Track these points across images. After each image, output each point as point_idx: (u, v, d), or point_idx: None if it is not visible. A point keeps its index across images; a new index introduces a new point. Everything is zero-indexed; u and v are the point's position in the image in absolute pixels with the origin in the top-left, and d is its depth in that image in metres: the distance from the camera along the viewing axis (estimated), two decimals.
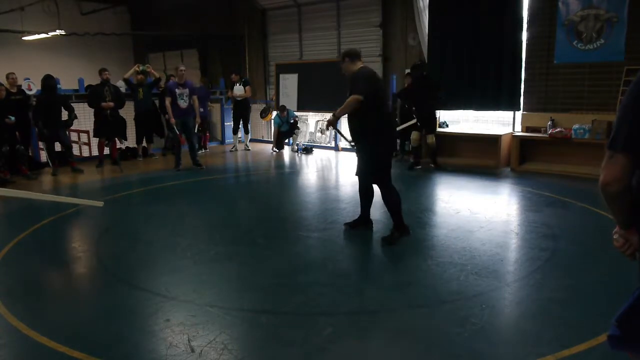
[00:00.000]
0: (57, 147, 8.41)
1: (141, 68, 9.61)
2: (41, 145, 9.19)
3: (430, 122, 8.25)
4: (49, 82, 8.06)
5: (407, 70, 8.96)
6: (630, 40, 7.09)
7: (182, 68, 8.52)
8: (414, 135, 8.24)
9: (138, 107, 9.51)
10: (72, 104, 8.45)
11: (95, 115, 8.75)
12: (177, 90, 8.28)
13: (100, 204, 3.76)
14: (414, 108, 8.26)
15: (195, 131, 8.69)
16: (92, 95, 8.72)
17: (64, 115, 8.21)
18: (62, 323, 3.23)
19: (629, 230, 1.65)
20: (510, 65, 8.14)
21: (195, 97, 8.56)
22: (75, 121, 8.41)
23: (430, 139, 8.25)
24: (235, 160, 10.02)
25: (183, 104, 8.31)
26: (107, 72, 8.74)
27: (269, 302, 3.45)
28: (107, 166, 8.91)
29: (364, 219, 4.98)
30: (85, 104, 8.93)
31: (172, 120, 8.27)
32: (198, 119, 8.64)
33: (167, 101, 8.27)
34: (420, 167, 8.27)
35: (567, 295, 3.41)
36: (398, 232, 4.59)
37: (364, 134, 4.55)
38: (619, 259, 1.56)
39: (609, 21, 7.24)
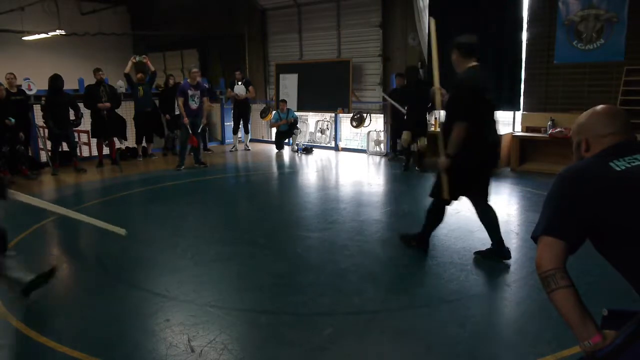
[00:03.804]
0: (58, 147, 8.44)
1: (137, 59, 9.58)
2: (41, 145, 9.20)
3: (423, 125, 8.14)
4: (56, 83, 8.09)
5: (397, 72, 9.01)
6: (630, 40, 7.09)
7: (195, 70, 8.62)
8: (405, 135, 8.08)
9: (138, 106, 9.51)
10: None
11: (91, 115, 8.77)
12: (190, 92, 8.39)
13: (122, 232, 3.61)
14: (405, 109, 8.17)
15: (199, 131, 8.71)
16: (87, 95, 8.73)
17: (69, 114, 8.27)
18: (62, 323, 3.23)
19: (596, 337, 1.48)
20: (510, 65, 8.14)
21: (206, 99, 8.69)
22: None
23: (422, 141, 8.12)
24: (235, 161, 10.02)
25: (194, 105, 8.45)
26: (101, 72, 8.74)
27: (269, 302, 3.45)
28: (107, 166, 8.91)
29: (425, 237, 4.33)
30: (84, 104, 8.93)
31: (185, 120, 8.38)
32: (204, 120, 8.72)
33: (180, 101, 8.42)
34: (409, 169, 8.13)
35: None
36: (499, 252, 4.01)
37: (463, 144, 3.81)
38: None
39: (609, 21, 7.24)
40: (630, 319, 1.47)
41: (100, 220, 3.31)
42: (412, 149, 8.29)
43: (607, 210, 1.49)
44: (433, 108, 8.13)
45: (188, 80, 8.55)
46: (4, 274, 3.22)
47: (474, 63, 3.86)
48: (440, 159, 3.94)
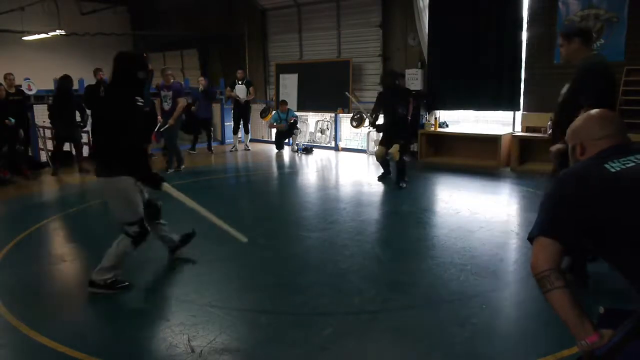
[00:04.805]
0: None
1: None
2: (41, 145, 9.20)
3: (394, 132, 6.96)
4: (64, 83, 8.10)
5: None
6: (630, 40, 7.08)
7: (169, 72, 8.42)
8: (378, 150, 7.24)
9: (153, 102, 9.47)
10: None
11: (92, 115, 8.75)
12: (162, 92, 8.25)
13: (244, 239, 3.73)
14: (373, 117, 7.28)
15: (162, 130, 8.22)
16: (87, 95, 8.73)
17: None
18: (62, 323, 3.23)
19: (593, 336, 1.49)
20: (510, 65, 8.13)
21: (180, 100, 8.19)
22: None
23: (394, 148, 6.84)
24: (236, 161, 10.02)
25: (166, 106, 8.21)
26: (101, 72, 8.73)
27: (269, 302, 3.45)
28: None
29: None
30: (84, 104, 8.92)
31: (159, 119, 8.25)
32: (171, 121, 8.05)
33: (157, 102, 8.28)
34: (390, 175, 7.27)
35: None
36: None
37: None
38: None
39: (609, 21, 7.24)
40: (627, 318, 1.48)
41: (224, 224, 3.75)
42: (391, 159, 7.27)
43: (604, 211, 1.51)
44: (407, 116, 7.06)
45: (163, 81, 8.36)
46: (162, 235, 4.07)
47: (594, 52, 3.56)
48: (553, 147, 3.57)
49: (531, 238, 1.64)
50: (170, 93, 8.22)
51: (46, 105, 8.66)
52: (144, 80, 3.60)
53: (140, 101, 3.51)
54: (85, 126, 8.58)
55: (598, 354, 1.47)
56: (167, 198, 3.83)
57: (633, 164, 1.55)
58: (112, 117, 3.42)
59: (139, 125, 3.57)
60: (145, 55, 9.13)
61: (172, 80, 8.35)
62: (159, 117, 8.34)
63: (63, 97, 8.12)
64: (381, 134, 7.51)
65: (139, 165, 3.52)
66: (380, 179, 7.37)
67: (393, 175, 7.24)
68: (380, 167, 7.42)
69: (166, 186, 3.62)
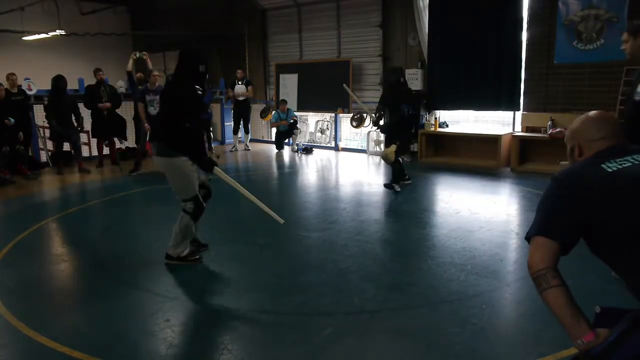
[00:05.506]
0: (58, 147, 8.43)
1: (137, 55, 9.51)
2: (41, 145, 9.20)
3: (395, 132, 6.59)
4: (58, 83, 8.09)
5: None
6: None
7: (156, 73, 8.02)
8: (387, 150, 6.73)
9: (137, 105, 9.48)
10: None
11: (92, 115, 8.76)
12: (148, 97, 7.64)
13: (282, 221, 4.09)
14: (376, 114, 6.88)
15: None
16: (88, 96, 8.73)
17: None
18: (62, 323, 3.23)
19: (589, 335, 1.49)
20: (510, 65, 8.13)
21: None
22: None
23: (390, 149, 6.45)
24: (236, 161, 10.02)
25: (153, 111, 7.53)
26: (101, 73, 8.72)
27: (269, 302, 3.45)
28: (107, 166, 8.92)
29: None
30: (84, 104, 8.92)
31: (147, 127, 7.61)
32: None
33: (140, 107, 7.81)
34: (409, 181, 6.85)
35: None
36: None
37: None
38: None
39: (609, 21, 7.24)
40: (623, 317, 1.48)
41: (265, 206, 4.11)
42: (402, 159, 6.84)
43: (602, 211, 1.51)
44: (412, 115, 6.64)
45: (148, 84, 7.94)
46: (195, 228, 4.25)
47: None
48: None
49: (528, 237, 1.66)
50: (157, 97, 7.10)
51: (41, 105, 8.66)
52: (205, 73, 3.98)
53: (199, 90, 3.94)
54: (82, 128, 8.53)
55: (594, 353, 1.47)
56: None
57: (630, 163, 1.56)
58: (177, 108, 3.87)
59: (198, 115, 4.05)
60: (146, 55, 9.19)
61: (157, 84, 7.76)
62: (145, 123, 7.72)
63: (58, 97, 8.11)
64: (382, 135, 7.36)
65: (196, 149, 3.97)
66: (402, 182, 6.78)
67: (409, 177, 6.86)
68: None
69: (217, 170, 4.04)
